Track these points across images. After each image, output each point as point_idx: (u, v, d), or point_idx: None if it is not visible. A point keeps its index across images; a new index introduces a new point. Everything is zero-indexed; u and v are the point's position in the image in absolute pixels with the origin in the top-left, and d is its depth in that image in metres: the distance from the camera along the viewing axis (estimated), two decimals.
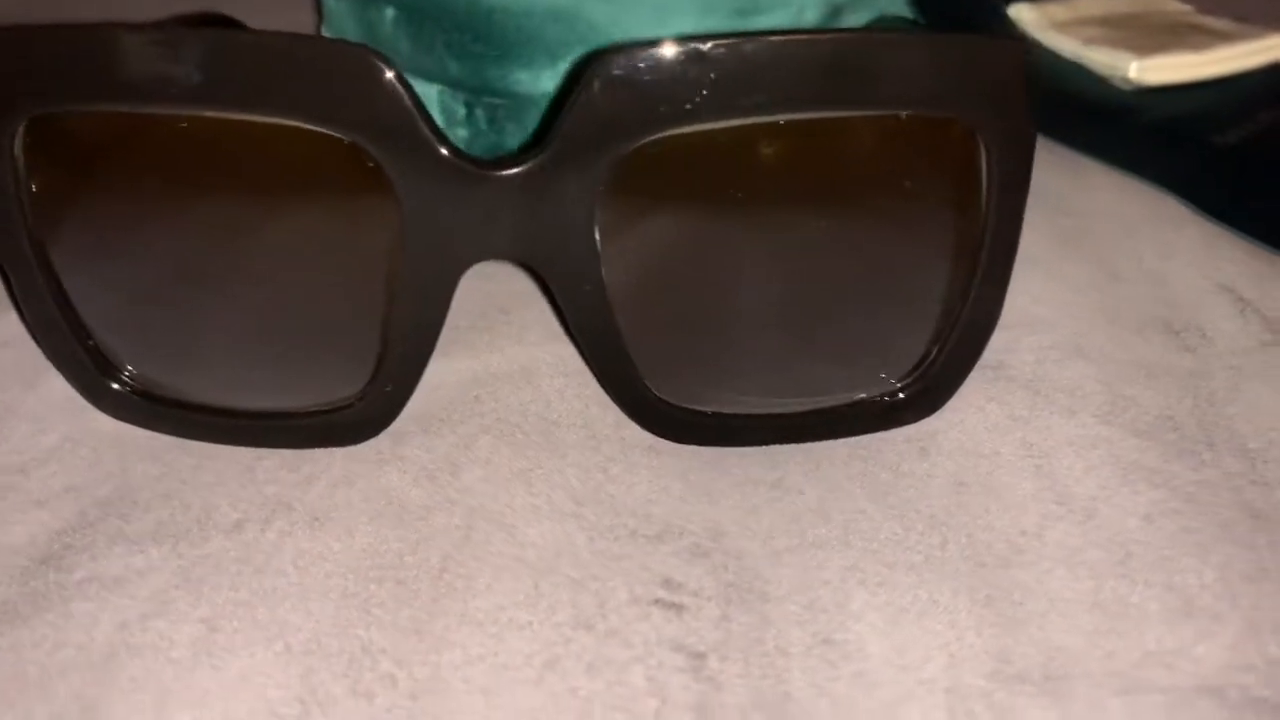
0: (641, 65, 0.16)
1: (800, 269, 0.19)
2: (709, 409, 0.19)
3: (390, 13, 0.27)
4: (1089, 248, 0.25)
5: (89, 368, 0.19)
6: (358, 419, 0.19)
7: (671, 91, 0.16)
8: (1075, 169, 0.29)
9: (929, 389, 0.20)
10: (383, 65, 0.16)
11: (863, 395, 0.20)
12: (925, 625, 0.16)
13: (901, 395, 0.20)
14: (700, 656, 0.16)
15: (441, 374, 0.21)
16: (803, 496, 0.19)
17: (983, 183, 0.18)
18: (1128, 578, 0.17)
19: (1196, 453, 0.19)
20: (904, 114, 0.17)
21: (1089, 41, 0.35)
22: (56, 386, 0.20)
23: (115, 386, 0.20)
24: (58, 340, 0.19)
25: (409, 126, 0.17)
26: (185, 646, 0.16)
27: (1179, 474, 0.19)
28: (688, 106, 0.16)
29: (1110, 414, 0.20)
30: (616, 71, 0.16)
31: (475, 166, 0.17)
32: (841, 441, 0.20)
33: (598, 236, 0.18)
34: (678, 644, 0.16)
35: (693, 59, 0.16)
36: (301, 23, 0.35)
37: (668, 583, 0.17)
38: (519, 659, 0.15)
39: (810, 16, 0.31)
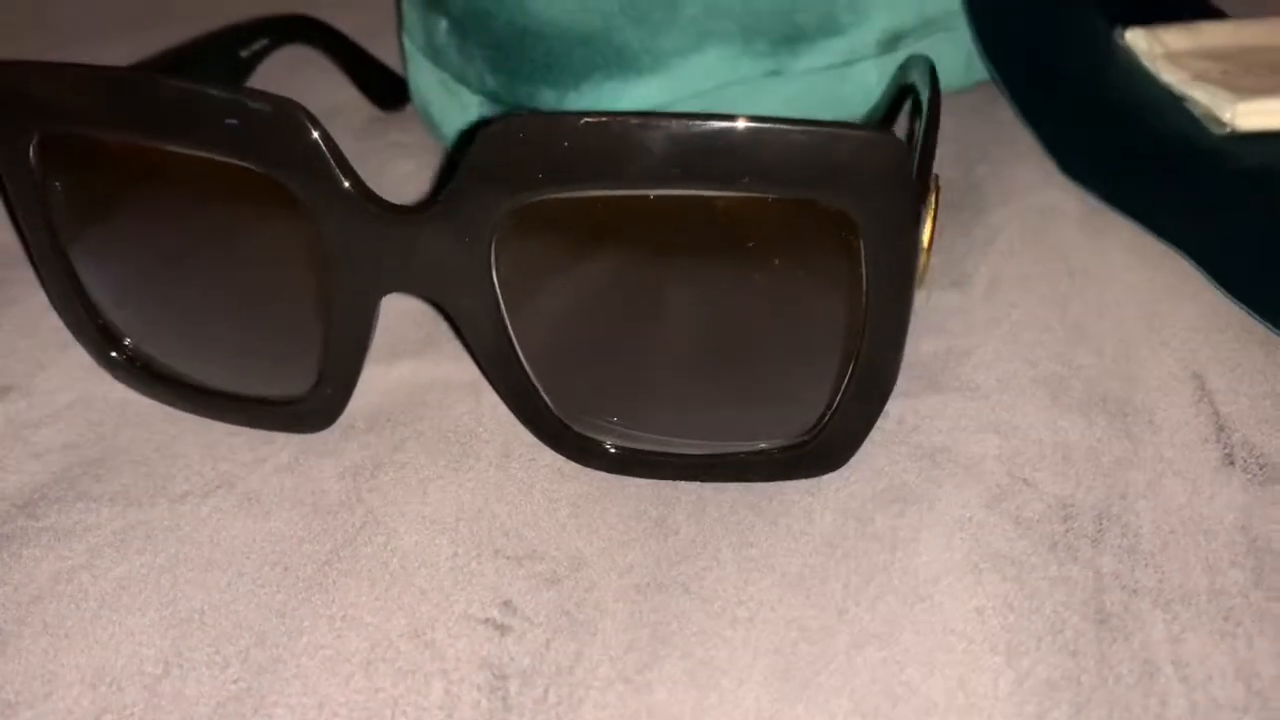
0: (522, 134, 0.18)
1: (696, 326, 0.20)
2: (609, 440, 0.21)
3: (444, 23, 0.29)
4: (1073, 312, 0.25)
5: (96, 340, 0.23)
6: (308, 412, 0.22)
7: (552, 159, 0.18)
8: (1099, 223, 0.28)
9: (825, 447, 0.21)
10: (305, 121, 0.18)
11: (763, 445, 0.21)
12: (719, 685, 0.17)
13: (799, 450, 0.21)
14: (504, 678, 0.17)
15: (406, 376, 0.24)
16: (676, 537, 0.20)
17: (863, 266, 0.18)
18: (929, 667, 0.17)
19: (1075, 548, 0.19)
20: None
21: (1197, 77, 0.34)
22: (83, 354, 0.24)
23: (115, 355, 0.23)
24: (72, 315, 0.23)
25: (326, 171, 0.19)
26: (95, 600, 0.19)
27: (1039, 568, 0.19)
28: (568, 174, 0.18)
29: (998, 498, 0.20)
30: (499, 138, 0.18)
31: (381, 209, 0.19)
32: (743, 488, 0.21)
33: (496, 279, 0.19)
34: (488, 663, 0.17)
35: (569, 133, 0.17)
36: (381, 23, 0.37)
37: (507, 605, 0.18)
38: (347, 654, 0.18)
39: (865, 43, 0.31)
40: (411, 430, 0.22)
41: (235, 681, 0.17)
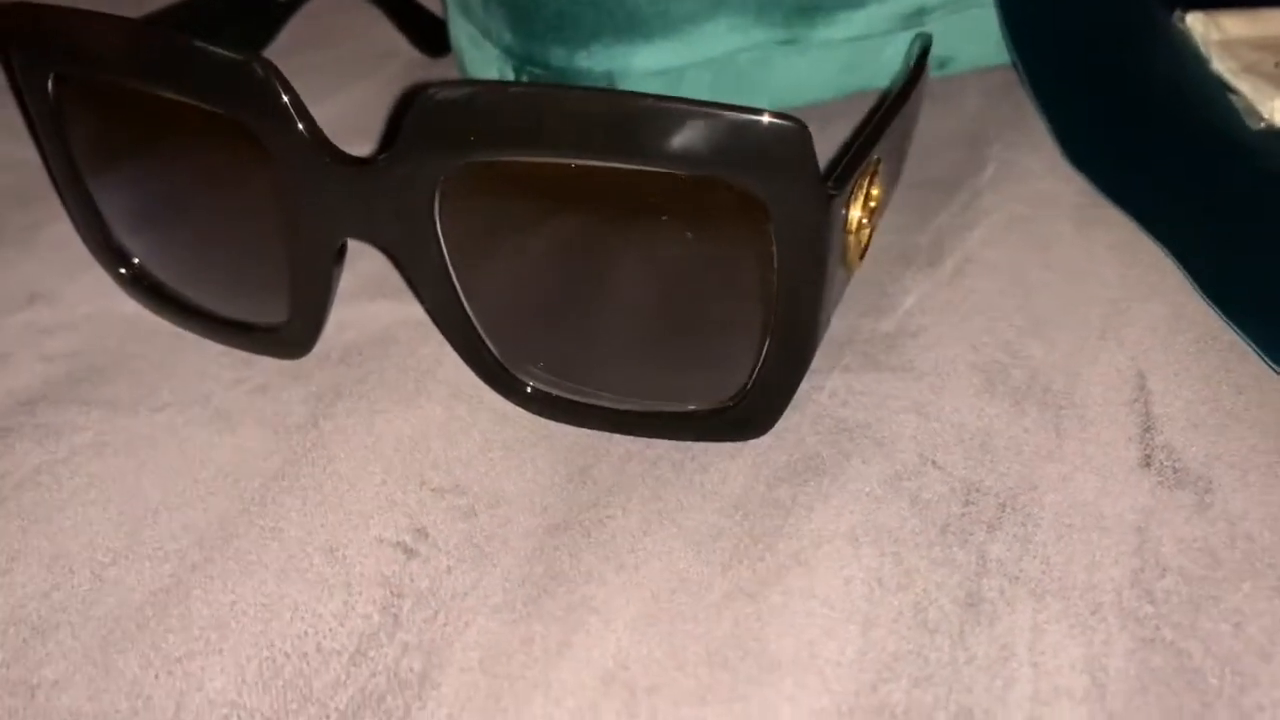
0: (453, 102, 0.19)
1: (624, 289, 0.21)
2: (548, 387, 0.22)
3: None
4: (1037, 302, 0.25)
5: (108, 257, 0.25)
6: (285, 340, 0.24)
7: (481, 126, 0.19)
8: (1094, 216, 0.28)
9: (747, 414, 0.21)
10: (269, 74, 0.20)
11: (691, 407, 0.22)
12: (587, 623, 0.18)
13: (722, 414, 0.22)
14: (399, 597, 0.19)
15: (382, 314, 0.25)
16: (594, 485, 0.21)
17: (773, 246, 0.19)
18: (785, 628, 0.18)
19: (968, 533, 0.20)
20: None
21: (1247, 68, 0.33)
22: (104, 273, 0.26)
23: (124, 272, 0.25)
24: (87, 234, 0.25)
25: (287, 121, 0.20)
26: (66, 492, 0.21)
27: (921, 548, 0.19)
28: (496, 140, 0.19)
29: (900, 476, 0.21)
30: (430, 103, 0.19)
31: (335, 159, 0.20)
32: (671, 446, 0.22)
33: (440, 232, 0.21)
34: (388, 582, 0.19)
35: (496, 102, 0.19)
36: None
37: (420, 532, 0.20)
38: (266, 561, 0.20)
39: (886, 17, 0.31)
40: (377, 365, 0.24)
41: (170, 575, 0.19)
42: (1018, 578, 0.19)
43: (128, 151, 0.24)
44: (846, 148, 0.21)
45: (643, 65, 0.30)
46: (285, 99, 0.20)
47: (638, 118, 0.18)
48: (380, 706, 0.17)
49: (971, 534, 0.20)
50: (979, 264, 0.26)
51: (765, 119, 0.18)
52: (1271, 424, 0.22)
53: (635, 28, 0.29)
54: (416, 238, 0.21)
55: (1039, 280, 0.26)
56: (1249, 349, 0.23)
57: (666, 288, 0.21)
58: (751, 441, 0.22)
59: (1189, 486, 0.20)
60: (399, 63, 0.36)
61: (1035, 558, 0.19)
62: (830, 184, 0.19)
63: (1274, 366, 0.23)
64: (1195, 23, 0.35)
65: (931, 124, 0.32)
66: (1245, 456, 0.21)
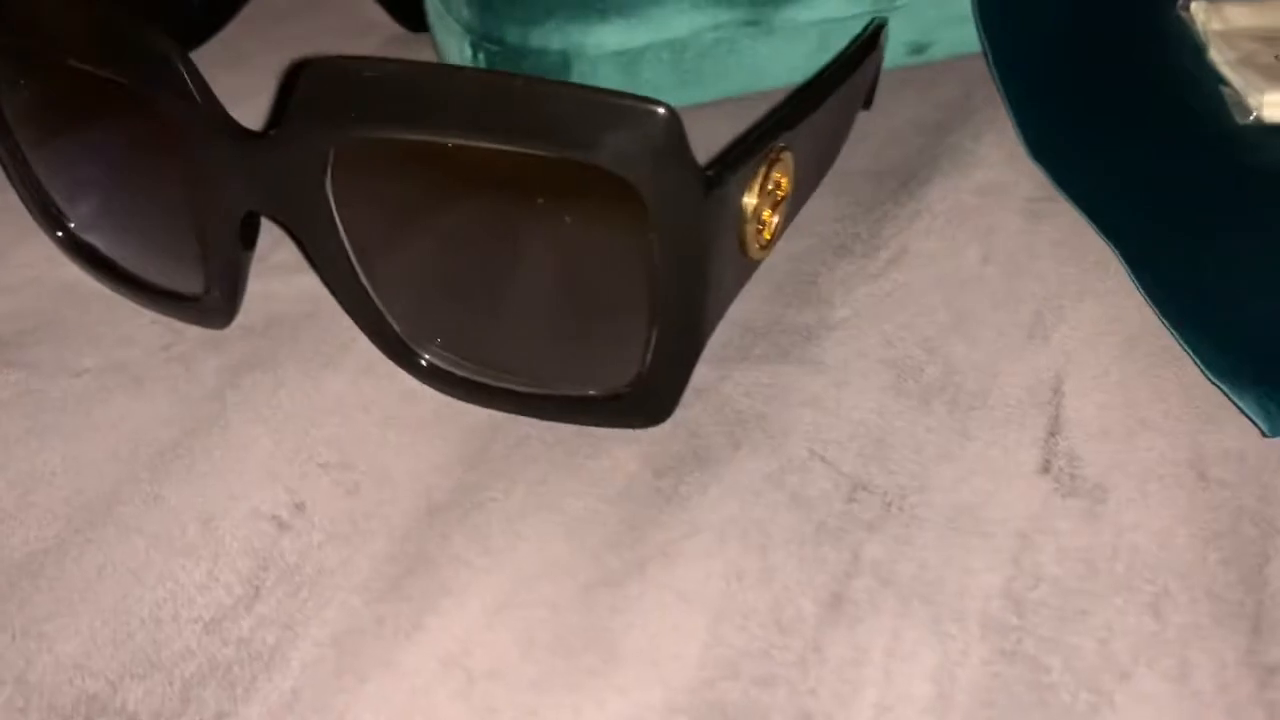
0: (333, 77, 0.19)
1: (514, 271, 0.21)
2: (451, 366, 0.22)
3: None
4: (966, 297, 0.24)
5: (45, 220, 0.26)
6: (206, 309, 0.24)
7: (360, 102, 0.19)
8: (1045, 210, 0.27)
9: (642, 401, 0.21)
10: (171, 49, 0.20)
11: (591, 391, 0.22)
12: (439, 605, 0.18)
13: (618, 401, 0.21)
14: (264, 570, 0.19)
15: (308, 287, 0.25)
16: (485, 466, 0.21)
17: (651, 233, 0.19)
18: (635, 618, 0.18)
19: (844, 532, 0.19)
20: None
21: (1244, 60, 0.32)
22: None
23: (60, 235, 0.26)
24: (27, 197, 0.26)
25: (187, 94, 0.20)
26: None
27: (790, 545, 0.19)
28: (375, 117, 0.19)
29: (785, 471, 0.20)
30: (313, 79, 0.19)
31: (232, 133, 0.20)
32: (573, 431, 0.22)
33: (334, 207, 0.21)
34: (256, 555, 0.19)
35: (372, 79, 0.19)
36: None
37: (298, 507, 0.20)
38: (141, 528, 0.20)
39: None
40: (295, 337, 0.24)
41: (53, 538, 0.20)
42: (889, 581, 0.19)
43: (59, 120, 0.24)
44: (744, 135, 0.21)
45: (599, 44, 0.29)
46: (184, 73, 0.20)
47: (508, 99, 0.18)
48: (226, 677, 0.18)
49: (848, 533, 0.19)
50: (914, 256, 0.25)
51: (628, 103, 0.18)
52: (1184, 434, 0.21)
53: (590, 5, 0.29)
54: (311, 212, 0.21)
55: (973, 274, 0.25)
56: (1182, 354, 0.22)
57: (556, 271, 0.21)
58: (651, 429, 0.22)
59: (1083, 495, 0.20)
60: (379, 37, 0.36)
61: (912, 561, 0.19)
62: (711, 171, 0.19)
63: (1213, 379, 0.22)
64: (1198, 10, 0.33)
65: (899, 110, 0.31)
66: (1149, 467, 0.20)
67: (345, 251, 0.21)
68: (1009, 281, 0.25)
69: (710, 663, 0.17)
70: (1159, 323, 0.23)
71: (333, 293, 0.23)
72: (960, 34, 0.32)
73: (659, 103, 0.18)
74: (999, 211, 0.27)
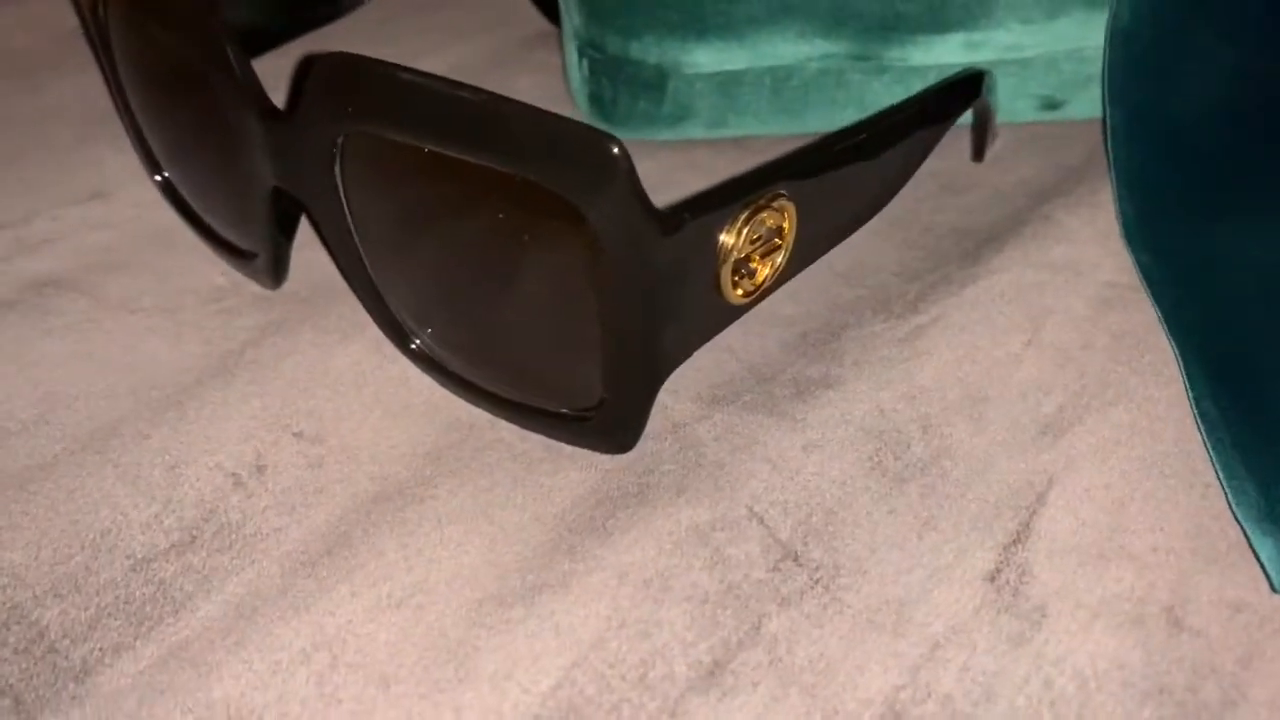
0: (339, 73, 0.20)
1: (488, 279, 0.21)
2: (443, 356, 0.23)
3: None
4: (989, 382, 0.23)
5: (147, 163, 0.28)
6: (257, 269, 0.26)
7: (360, 99, 0.20)
8: (1116, 299, 0.24)
9: (604, 427, 0.21)
10: (219, 29, 0.22)
11: (564, 409, 0.22)
12: (334, 594, 0.19)
13: (583, 422, 0.21)
14: (206, 521, 0.20)
15: None
16: (442, 462, 0.22)
17: (600, 258, 0.19)
18: (515, 651, 0.18)
19: (757, 600, 0.19)
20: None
21: None
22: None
23: (157, 179, 0.28)
24: (133, 142, 0.28)
25: (229, 71, 0.22)
26: (16, 363, 0.24)
27: (689, 604, 0.19)
28: (372, 114, 0.20)
29: (715, 526, 0.20)
30: (322, 70, 0.20)
31: (260, 109, 0.22)
32: (543, 443, 0.22)
33: (341, 188, 0.21)
34: (203, 505, 0.21)
35: (371, 78, 0.19)
36: None
37: (260, 469, 0.21)
38: (117, 460, 0.21)
39: (971, 45, 0.29)
40: (326, 309, 0.25)
41: (52, 456, 0.22)
42: (778, 661, 0.18)
43: (147, 76, 0.26)
44: (740, 176, 0.20)
45: (694, 63, 0.29)
46: (227, 48, 0.22)
47: (475, 113, 0.18)
48: (136, 614, 0.19)
49: (756, 602, 0.19)
50: (947, 326, 0.24)
51: (579, 133, 0.17)
52: (1171, 572, 0.19)
53: (691, 24, 0.29)
54: (322, 191, 0.22)
55: (1009, 356, 0.23)
56: (1206, 486, 0.20)
57: (529, 285, 0.21)
58: (616, 456, 0.21)
59: (1019, 614, 0.18)
60: (513, 29, 0.37)
61: (812, 645, 0.18)
62: (672, 210, 0.18)
63: (1239, 518, 0.19)
64: None
65: (1015, 168, 0.29)
66: (1107, 600, 0.18)
67: (350, 233, 0.22)
68: (1046, 370, 0.23)
69: (554, 704, 0.17)
70: (1195, 445, 0.21)
71: (339, 270, 0.24)
72: (1099, 94, 0.30)
73: (610, 137, 0.17)
74: (1065, 292, 0.25)
